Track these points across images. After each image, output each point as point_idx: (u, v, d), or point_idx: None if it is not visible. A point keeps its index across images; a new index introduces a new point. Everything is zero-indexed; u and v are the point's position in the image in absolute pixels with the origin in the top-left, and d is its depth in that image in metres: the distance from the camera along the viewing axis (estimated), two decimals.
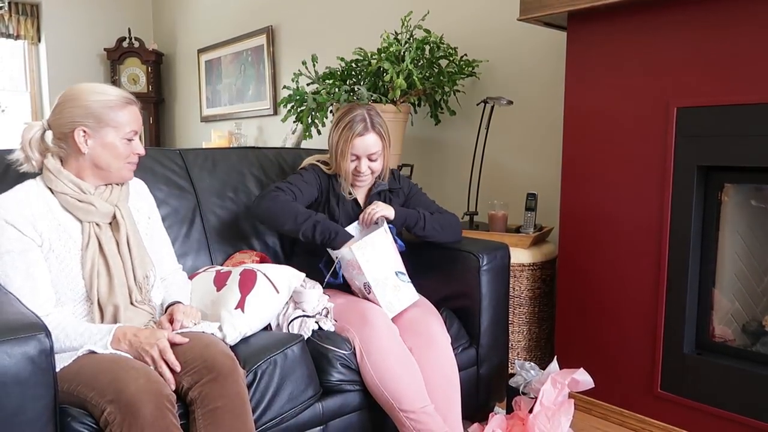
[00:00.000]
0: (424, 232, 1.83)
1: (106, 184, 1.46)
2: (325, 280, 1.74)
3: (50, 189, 1.39)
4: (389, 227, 1.73)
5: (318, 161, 1.92)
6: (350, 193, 1.88)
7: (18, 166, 1.43)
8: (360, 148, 1.79)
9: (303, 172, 1.88)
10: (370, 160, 1.81)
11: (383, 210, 1.78)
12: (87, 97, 1.39)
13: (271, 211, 1.72)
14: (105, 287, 1.39)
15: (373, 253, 1.67)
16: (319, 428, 1.51)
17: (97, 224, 1.41)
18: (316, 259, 1.81)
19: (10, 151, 1.47)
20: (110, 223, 1.44)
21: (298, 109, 2.64)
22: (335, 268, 1.72)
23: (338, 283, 1.73)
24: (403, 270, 1.73)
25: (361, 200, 1.92)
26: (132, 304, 1.43)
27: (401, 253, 1.77)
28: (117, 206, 1.45)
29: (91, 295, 1.38)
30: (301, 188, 1.81)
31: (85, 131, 1.38)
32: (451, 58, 2.63)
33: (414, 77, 2.46)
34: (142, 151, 1.49)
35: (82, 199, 1.40)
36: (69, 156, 1.41)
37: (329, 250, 1.75)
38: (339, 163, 1.83)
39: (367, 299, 1.71)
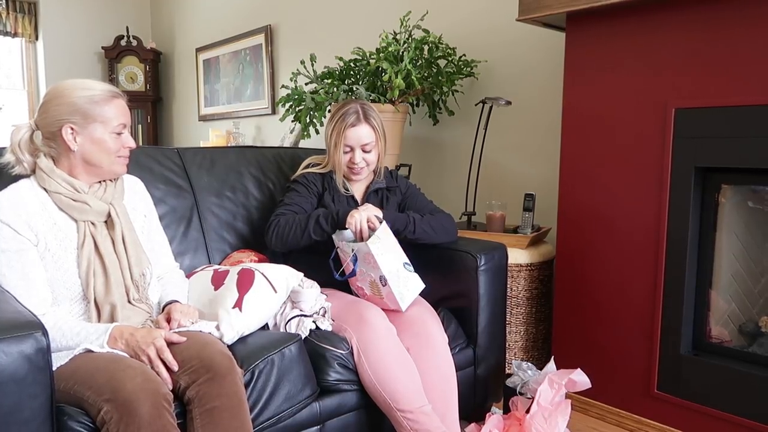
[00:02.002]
0: (414, 236, 1.81)
1: (100, 182, 1.45)
2: (336, 275, 1.70)
3: (44, 189, 1.39)
4: (386, 222, 1.72)
5: (310, 163, 1.94)
6: (346, 189, 1.88)
7: (9, 169, 1.41)
8: (353, 139, 1.81)
9: (294, 185, 1.90)
10: (364, 151, 1.83)
11: (371, 211, 1.71)
12: (71, 93, 1.37)
13: (282, 238, 1.77)
14: (101, 286, 1.39)
15: (385, 246, 1.65)
16: (316, 428, 1.51)
17: (92, 223, 1.41)
18: (314, 257, 1.80)
19: (3, 150, 1.46)
20: (105, 222, 1.43)
21: (297, 109, 2.64)
22: (350, 261, 1.68)
23: (345, 280, 1.71)
24: (408, 261, 1.73)
25: (358, 197, 1.92)
26: (129, 302, 1.43)
27: None
28: (112, 204, 1.44)
29: (88, 294, 1.37)
30: (299, 202, 1.84)
31: (72, 128, 1.37)
32: (450, 58, 2.64)
33: (412, 77, 2.46)
34: (132, 144, 1.47)
35: (77, 198, 1.39)
36: (60, 155, 1.40)
37: (344, 243, 1.70)
38: (333, 157, 1.84)
39: (371, 300, 1.71)
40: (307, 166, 1.94)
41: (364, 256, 1.66)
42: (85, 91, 1.38)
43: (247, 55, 4.37)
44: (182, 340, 1.31)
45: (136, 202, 1.56)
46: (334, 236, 1.74)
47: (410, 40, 2.60)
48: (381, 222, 1.70)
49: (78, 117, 1.37)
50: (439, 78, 2.60)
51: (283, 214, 1.81)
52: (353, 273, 1.70)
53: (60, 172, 1.39)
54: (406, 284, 1.69)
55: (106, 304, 1.38)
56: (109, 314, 1.39)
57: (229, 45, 4.51)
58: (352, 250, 1.69)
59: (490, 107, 2.47)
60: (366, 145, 1.82)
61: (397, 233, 1.79)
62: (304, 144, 3.23)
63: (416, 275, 1.74)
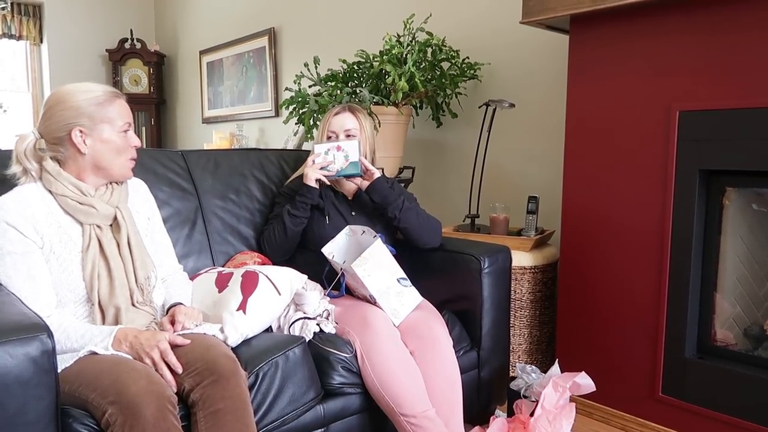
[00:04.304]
0: (400, 215, 1.85)
1: (106, 185, 1.46)
2: (328, 291, 1.76)
3: (50, 191, 1.39)
4: (380, 235, 1.74)
5: (292, 178, 2.05)
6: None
7: (16, 180, 1.41)
8: (336, 124, 1.94)
9: (278, 198, 2.01)
10: (347, 137, 1.92)
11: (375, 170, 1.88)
12: (75, 97, 1.38)
13: (274, 247, 1.91)
14: (106, 288, 1.39)
15: (373, 266, 1.68)
16: (320, 430, 1.51)
17: (98, 226, 1.41)
18: (316, 259, 1.81)
19: (11, 152, 1.47)
20: (111, 225, 1.44)
21: (300, 111, 2.64)
22: (339, 280, 1.74)
23: (341, 296, 1.76)
24: (404, 275, 1.74)
25: (349, 194, 1.97)
26: (133, 305, 1.43)
27: (395, 257, 1.77)
28: (118, 207, 1.44)
29: (92, 296, 1.37)
30: (280, 213, 1.92)
31: (81, 131, 1.37)
32: (453, 61, 2.64)
33: (416, 79, 2.46)
34: (138, 142, 1.49)
35: (83, 201, 1.39)
36: (67, 159, 1.40)
37: (331, 261, 1.76)
38: None
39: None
40: (291, 180, 2.02)
41: (352, 276, 1.68)
42: (88, 94, 1.39)
43: (250, 57, 4.38)
44: (186, 342, 1.31)
45: (140, 204, 1.57)
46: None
47: (414, 43, 2.60)
48: (375, 236, 1.71)
49: (85, 119, 1.38)
50: (443, 80, 2.60)
51: (267, 228, 1.94)
52: (342, 292, 1.75)
53: (67, 175, 1.39)
54: (400, 299, 1.70)
55: (111, 307, 1.39)
56: (113, 317, 1.39)
57: (233, 47, 4.52)
58: (341, 268, 1.71)
59: (494, 109, 2.47)
60: (348, 129, 1.92)
61: (384, 207, 1.86)
62: (307, 146, 3.23)
63: (413, 289, 1.74)
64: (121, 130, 1.43)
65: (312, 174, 1.85)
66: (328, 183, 1.90)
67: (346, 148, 1.86)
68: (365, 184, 1.89)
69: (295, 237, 1.87)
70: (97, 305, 1.38)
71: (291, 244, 1.89)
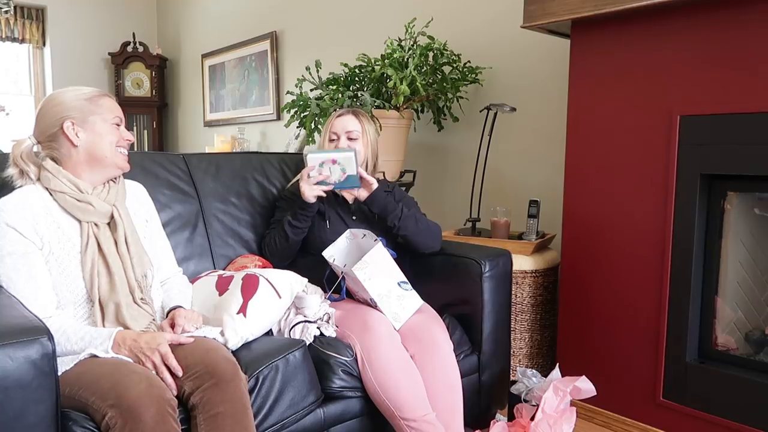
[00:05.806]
0: (399, 223, 1.84)
1: (104, 184, 1.47)
2: (329, 294, 1.76)
3: (48, 190, 1.40)
4: (381, 239, 1.74)
5: (293, 181, 2.05)
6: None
7: (13, 182, 1.43)
8: (338, 126, 1.94)
9: (279, 202, 2.02)
10: (350, 138, 1.92)
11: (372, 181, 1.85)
12: (63, 95, 1.43)
13: (275, 253, 1.91)
14: (106, 285, 1.39)
15: (374, 270, 1.68)
16: None
17: (95, 224, 1.42)
18: (317, 263, 1.81)
19: (6, 156, 1.48)
20: (108, 223, 1.45)
21: (302, 115, 2.65)
22: (339, 283, 1.74)
23: (341, 299, 1.76)
24: (405, 279, 1.74)
25: (349, 199, 1.96)
26: (135, 302, 1.43)
27: (395, 260, 1.77)
28: (115, 206, 1.45)
29: (92, 294, 1.38)
30: (281, 218, 1.93)
31: (73, 122, 1.41)
32: (455, 65, 2.64)
33: (417, 83, 2.46)
34: (130, 137, 1.51)
35: (81, 198, 1.40)
36: (63, 156, 1.42)
37: (332, 264, 1.76)
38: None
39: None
40: (293, 184, 2.01)
41: (352, 280, 1.68)
42: (76, 92, 1.45)
43: (252, 61, 4.39)
44: (190, 340, 1.32)
45: (138, 207, 1.57)
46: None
47: (415, 47, 2.61)
48: (376, 240, 1.72)
49: (76, 113, 1.41)
50: (444, 84, 2.60)
51: (269, 233, 1.94)
52: (343, 295, 1.75)
53: (65, 172, 1.41)
54: (401, 303, 1.70)
55: (111, 303, 1.39)
56: (113, 314, 1.39)
57: (235, 51, 4.53)
58: (342, 272, 1.71)
59: (495, 114, 2.47)
60: (351, 132, 1.92)
61: (384, 215, 1.86)
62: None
63: (413, 293, 1.74)
64: (112, 123, 1.46)
65: (309, 192, 1.78)
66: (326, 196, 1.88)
67: (343, 162, 1.77)
68: (363, 195, 1.85)
69: (295, 245, 1.87)
70: (98, 303, 1.38)
71: (292, 251, 1.89)
